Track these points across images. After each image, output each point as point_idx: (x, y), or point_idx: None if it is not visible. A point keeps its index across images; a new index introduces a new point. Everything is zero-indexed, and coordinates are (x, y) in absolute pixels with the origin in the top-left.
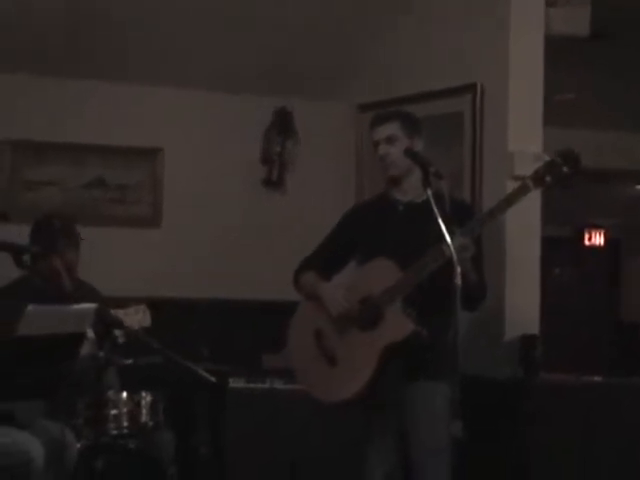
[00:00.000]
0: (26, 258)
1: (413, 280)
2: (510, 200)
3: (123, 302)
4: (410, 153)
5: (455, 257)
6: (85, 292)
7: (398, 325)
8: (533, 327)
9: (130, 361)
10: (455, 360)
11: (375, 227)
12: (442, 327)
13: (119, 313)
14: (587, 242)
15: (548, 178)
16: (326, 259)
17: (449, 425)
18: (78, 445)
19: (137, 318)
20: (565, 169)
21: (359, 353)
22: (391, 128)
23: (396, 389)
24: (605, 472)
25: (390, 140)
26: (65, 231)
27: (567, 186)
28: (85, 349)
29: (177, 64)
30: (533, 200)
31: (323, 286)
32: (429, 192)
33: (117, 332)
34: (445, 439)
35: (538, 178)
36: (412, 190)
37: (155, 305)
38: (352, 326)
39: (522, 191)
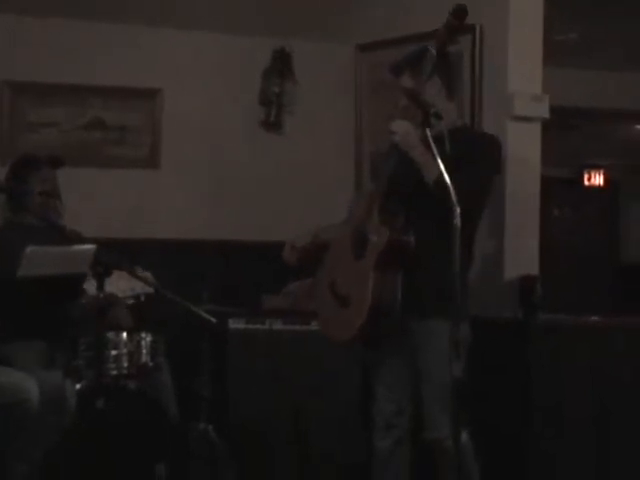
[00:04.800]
0: (29, 200)
1: (380, 189)
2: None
3: None
4: (410, 94)
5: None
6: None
7: (376, 236)
8: (533, 268)
9: (132, 301)
10: (456, 299)
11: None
12: (446, 264)
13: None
14: (587, 182)
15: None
16: None
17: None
18: (78, 386)
19: None
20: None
21: (359, 282)
22: (404, 81)
23: (404, 326)
24: (604, 409)
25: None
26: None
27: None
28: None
29: (176, 5)
30: (533, 140)
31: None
32: (428, 133)
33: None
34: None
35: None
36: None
37: (153, 246)
38: (351, 261)
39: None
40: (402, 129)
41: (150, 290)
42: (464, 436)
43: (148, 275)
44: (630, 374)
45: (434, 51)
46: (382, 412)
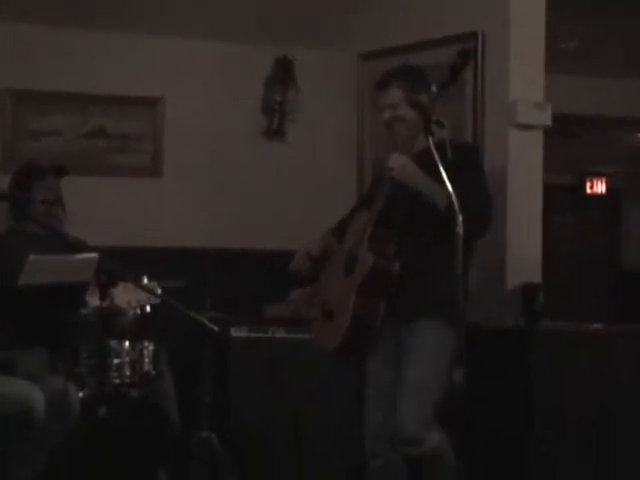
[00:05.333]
0: (32, 208)
1: (373, 215)
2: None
3: None
4: (413, 102)
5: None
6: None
7: (363, 262)
8: (535, 276)
9: (137, 311)
10: (457, 305)
11: (376, 186)
12: (439, 269)
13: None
14: (589, 190)
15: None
16: (342, 221)
17: (452, 370)
18: (81, 394)
19: None
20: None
21: (343, 299)
22: (391, 93)
23: (391, 331)
24: (605, 413)
25: (393, 107)
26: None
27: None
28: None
29: (178, 12)
30: (535, 147)
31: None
32: (430, 140)
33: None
34: (431, 377)
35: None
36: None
37: (155, 254)
38: (341, 277)
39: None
40: (398, 163)
41: (156, 300)
42: (436, 436)
43: (154, 285)
44: (630, 380)
45: (435, 89)
46: (373, 418)
